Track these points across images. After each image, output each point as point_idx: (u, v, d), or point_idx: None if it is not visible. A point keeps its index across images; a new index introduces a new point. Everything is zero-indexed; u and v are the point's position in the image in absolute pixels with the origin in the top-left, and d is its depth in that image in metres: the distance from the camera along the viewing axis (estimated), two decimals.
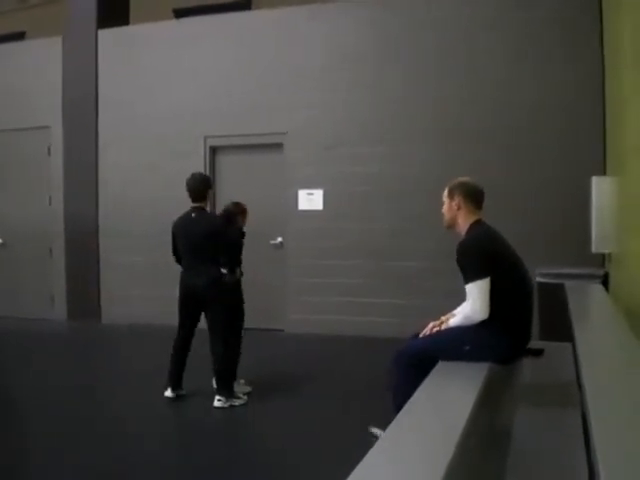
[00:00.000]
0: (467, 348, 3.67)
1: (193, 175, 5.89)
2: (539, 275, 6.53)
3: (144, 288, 9.44)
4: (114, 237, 9.74)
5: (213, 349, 5.65)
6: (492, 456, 3.08)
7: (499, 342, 3.70)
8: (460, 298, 3.80)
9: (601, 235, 6.14)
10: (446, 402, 3.16)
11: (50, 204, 10.16)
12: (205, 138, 9.38)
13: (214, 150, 9.48)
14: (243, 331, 6.10)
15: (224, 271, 5.76)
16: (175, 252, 5.87)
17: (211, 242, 5.62)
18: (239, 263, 6.07)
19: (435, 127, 8.25)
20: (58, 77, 9.99)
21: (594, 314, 4.52)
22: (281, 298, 8.96)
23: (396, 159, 8.42)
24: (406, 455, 2.33)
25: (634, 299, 4.32)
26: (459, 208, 3.94)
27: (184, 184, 5.82)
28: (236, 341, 5.92)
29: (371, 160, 8.51)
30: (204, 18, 9.70)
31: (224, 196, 8.46)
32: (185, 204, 5.84)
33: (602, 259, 6.96)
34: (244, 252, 6.17)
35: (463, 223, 3.94)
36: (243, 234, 6.15)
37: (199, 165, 9.00)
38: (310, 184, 8.83)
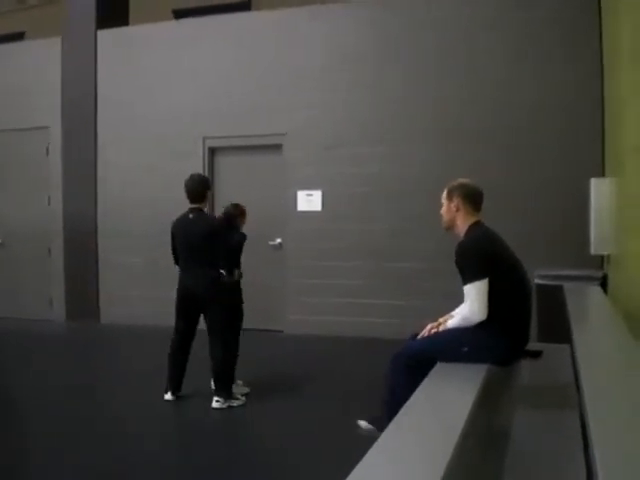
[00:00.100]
0: (465, 349, 3.67)
1: (192, 176, 5.89)
2: (538, 277, 6.53)
3: (143, 288, 9.44)
4: (113, 237, 9.74)
5: (212, 351, 5.64)
6: (490, 457, 3.09)
7: (497, 343, 3.69)
8: (459, 299, 3.80)
9: (600, 237, 6.15)
10: (445, 403, 3.16)
11: (49, 204, 10.16)
12: (204, 139, 9.37)
13: (213, 151, 9.47)
14: (241, 332, 6.10)
15: (222, 272, 5.76)
16: (174, 253, 5.87)
17: (209, 243, 5.61)
18: (238, 265, 6.07)
19: (435, 127, 8.25)
20: (57, 77, 9.99)
21: (592, 316, 4.52)
22: (280, 299, 8.96)
23: (396, 159, 8.42)
24: (405, 456, 2.33)
25: (632, 301, 4.33)
26: (458, 210, 3.94)
27: (183, 185, 5.82)
28: (234, 342, 5.92)
29: (371, 161, 8.52)
30: (204, 19, 9.70)
31: (223, 197, 8.46)
32: (184, 205, 5.84)
33: (601, 261, 6.96)
34: (243, 253, 6.17)
35: (462, 224, 3.94)
36: (244, 237, 6.14)
37: (198, 166, 9.00)
38: (309, 185, 8.83)
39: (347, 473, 2.03)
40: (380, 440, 2.41)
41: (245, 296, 6.17)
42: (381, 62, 8.56)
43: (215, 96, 9.27)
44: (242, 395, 5.75)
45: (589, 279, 6.24)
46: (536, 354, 4.18)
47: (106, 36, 9.87)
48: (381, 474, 2.15)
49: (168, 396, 5.71)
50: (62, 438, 4.87)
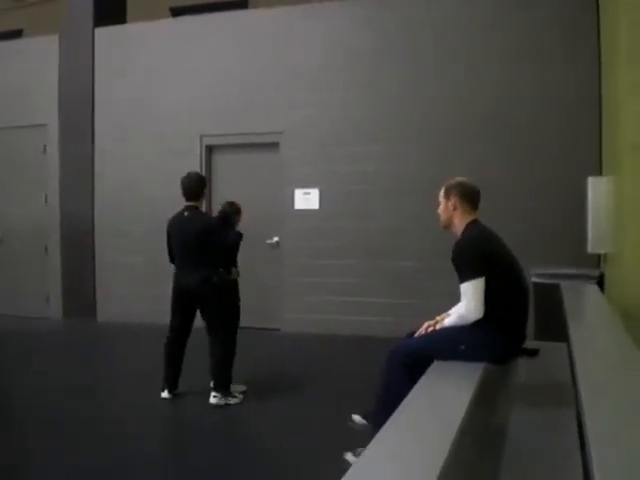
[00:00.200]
0: (462, 348, 3.67)
1: (189, 174, 5.88)
2: (535, 275, 6.54)
3: (140, 286, 9.43)
4: (110, 235, 9.74)
5: (211, 350, 5.65)
6: (487, 455, 3.09)
7: (494, 342, 3.70)
8: (456, 298, 3.80)
9: (597, 235, 6.16)
10: (442, 401, 3.16)
11: (46, 202, 10.15)
12: (201, 137, 9.37)
13: (210, 149, 9.47)
14: (238, 330, 6.10)
15: (221, 270, 5.76)
16: (170, 251, 5.86)
17: (203, 242, 5.60)
18: (235, 263, 6.06)
19: (432, 126, 8.25)
20: (55, 75, 9.97)
21: (589, 314, 4.53)
22: (277, 297, 8.96)
23: (393, 158, 8.42)
24: (402, 453, 2.33)
25: (627, 299, 4.34)
26: (455, 208, 3.94)
27: (179, 183, 5.82)
28: (231, 340, 5.92)
29: (367, 159, 8.52)
30: (201, 17, 9.70)
31: (220, 195, 8.46)
32: (180, 203, 5.83)
33: (598, 259, 6.97)
34: (240, 251, 6.16)
35: (459, 223, 3.95)
36: (240, 235, 6.14)
37: (195, 164, 9.01)
38: (306, 183, 8.83)
39: (344, 471, 2.04)
40: (377, 438, 2.41)
41: (242, 294, 6.17)
42: (378, 61, 8.56)
43: (212, 94, 9.26)
44: (239, 393, 5.75)
45: (586, 277, 6.25)
46: (533, 352, 4.18)
47: (104, 34, 9.85)
48: (379, 472, 2.15)
49: (165, 394, 5.71)
50: (61, 437, 4.86)
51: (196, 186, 5.78)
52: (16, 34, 12.45)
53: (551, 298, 5.43)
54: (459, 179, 4.05)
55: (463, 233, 3.92)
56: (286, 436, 4.91)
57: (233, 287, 6.05)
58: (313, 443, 4.73)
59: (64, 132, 9.99)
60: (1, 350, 7.75)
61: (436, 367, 3.56)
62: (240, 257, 6.16)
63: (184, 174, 5.88)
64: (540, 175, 7.75)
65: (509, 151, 7.93)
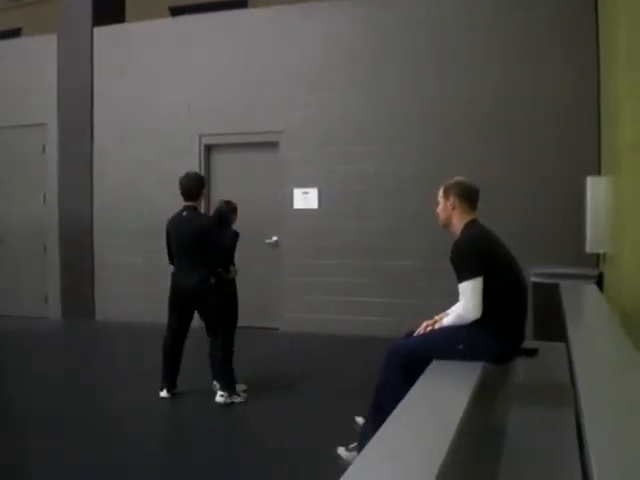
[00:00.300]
0: (461, 347, 3.67)
1: (187, 174, 5.88)
2: (534, 275, 6.54)
3: (138, 286, 9.43)
4: (109, 235, 9.73)
5: (211, 350, 5.66)
6: (486, 455, 3.09)
7: (493, 341, 3.70)
8: (454, 298, 3.80)
9: (596, 235, 6.16)
10: (440, 401, 3.16)
11: (45, 202, 10.14)
12: (200, 136, 9.36)
13: (209, 148, 9.46)
14: (236, 329, 6.10)
15: (220, 270, 5.76)
16: (169, 251, 5.86)
17: (201, 241, 5.60)
18: (232, 262, 6.07)
19: (431, 126, 8.25)
20: (53, 74, 9.96)
21: (588, 314, 4.53)
22: (276, 297, 8.96)
23: (392, 158, 8.42)
24: (401, 453, 2.33)
25: (625, 299, 4.34)
26: (454, 208, 3.94)
27: (178, 182, 5.81)
28: (230, 339, 5.92)
29: (367, 159, 8.52)
30: (200, 16, 9.69)
31: (219, 195, 8.43)
32: (179, 202, 5.83)
33: (597, 259, 6.97)
34: (239, 251, 6.16)
35: (458, 223, 3.95)
36: (237, 235, 6.14)
37: (194, 163, 9.01)
38: (305, 183, 8.83)
39: (344, 470, 2.04)
40: (376, 437, 2.41)
41: (241, 293, 6.16)
42: (378, 61, 8.55)
43: (211, 93, 9.26)
44: (242, 392, 5.76)
45: (585, 277, 6.26)
46: (532, 352, 4.18)
47: (102, 33, 9.85)
48: (377, 471, 2.15)
49: (163, 393, 5.71)
50: (61, 437, 4.85)
51: (194, 186, 5.77)
52: (15, 33, 12.43)
53: (550, 298, 5.43)
54: (458, 179, 4.05)
55: (462, 233, 3.93)
56: (285, 436, 4.91)
57: (231, 286, 6.04)
58: (313, 443, 4.72)
59: (63, 131, 9.98)
60: (0, 350, 7.74)
61: (434, 367, 3.56)
62: (239, 256, 6.16)
63: (183, 173, 5.87)
64: (539, 175, 7.75)
65: (509, 151, 7.92)
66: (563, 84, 7.69)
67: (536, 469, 2.83)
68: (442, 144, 8.15)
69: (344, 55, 8.67)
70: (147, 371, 6.32)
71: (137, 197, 9.55)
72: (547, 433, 3.19)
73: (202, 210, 6.32)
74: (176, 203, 5.92)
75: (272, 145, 9.03)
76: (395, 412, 2.75)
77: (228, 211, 6.12)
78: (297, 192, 8.88)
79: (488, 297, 3.66)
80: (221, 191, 8.77)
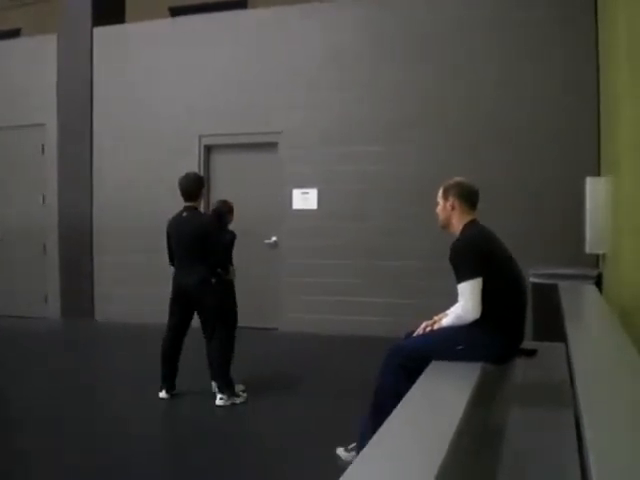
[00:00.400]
0: (460, 348, 3.67)
1: (187, 175, 5.87)
2: (533, 275, 6.55)
3: (138, 286, 9.43)
4: (108, 235, 9.73)
5: (210, 351, 5.65)
6: (485, 455, 3.09)
7: (492, 342, 3.70)
8: (454, 298, 3.80)
9: (595, 236, 6.17)
10: (439, 401, 3.16)
11: (44, 202, 10.14)
12: (200, 137, 9.36)
13: (209, 149, 9.46)
14: (236, 329, 6.11)
15: (219, 271, 5.77)
16: (170, 252, 5.86)
17: (201, 242, 5.60)
18: (231, 263, 6.07)
19: (431, 126, 8.25)
20: (53, 74, 9.96)
21: (587, 314, 4.53)
22: (275, 297, 8.96)
23: (392, 158, 8.42)
24: (400, 454, 2.33)
25: (624, 299, 4.34)
26: (453, 208, 3.94)
27: (177, 183, 5.81)
28: (229, 340, 5.92)
29: (366, 159, 8.52)
30: (200, 16, 9.69)
31: (219, 195, 8.42)
32: (179, 203, 5.83)
33: (596, 260, 6.97)
34: (239, 251, 6.17)
35: (457, 223, 3.95)
36: (235, 235, 6.15)
37: (193, 164, 9.01)
38: (305, 183, 8.83)
39: (343, 470, 2.05)
40: (375, 438, 2.41)
41: (240, 294, 6.17)
42: (377, 61, 8.56)
43: (211, 94, 9.26)
44: (241, 392, 5.76)
45: (584, 278, 6.26)
46: (531, 352, 4.19)
47: (102, 33, 9.85)
48: (377, 471, 2.15)
49: (162, 394, 5.71)
50: (61, 437, 4.85)
51: (194, 186, 5.77)
52: (14, 33, 12.42)
53: (549, 298, 5.43)
54: (457, 179, 4.05)
55: (461, 233, 3.92)
56: (285, 436, 4.91)
57: (229, 287, 6.05)
58: (313, 443, 4.72)
59: (62, 132, 9.98)
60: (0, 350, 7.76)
61: (434, 367, 3.56)
62: (238, 257, 6.16)
63: (182, 174, 5.87)
64: (539, 175, 7.75)
65: (509, 151, 7.93)
66: (563, 84, 7.69)
67: (535, 468, 2.84)
68: (442, 144, 8.16)
69: (344, 55, 8.67)
70: (147, 371, 6.32)
71: (137, 197, 9.55)
72: (546, 433, 3.19)
73: (202, 210, 6.31)
74: (176, 203, 5.92)
75: (272, 145, 9.04)
76: (394, 412, 2.75)
77: (224, 211, 6.13)
78: (296, 192, 8.88)
79: (487, 297, 3.66)
80: (221, 191, 8.77)
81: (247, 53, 9.15)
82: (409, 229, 8.22)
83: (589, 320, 4.27)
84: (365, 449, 2.29)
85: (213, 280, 5.68)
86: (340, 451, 4.05)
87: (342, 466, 2.10)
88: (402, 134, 8.38)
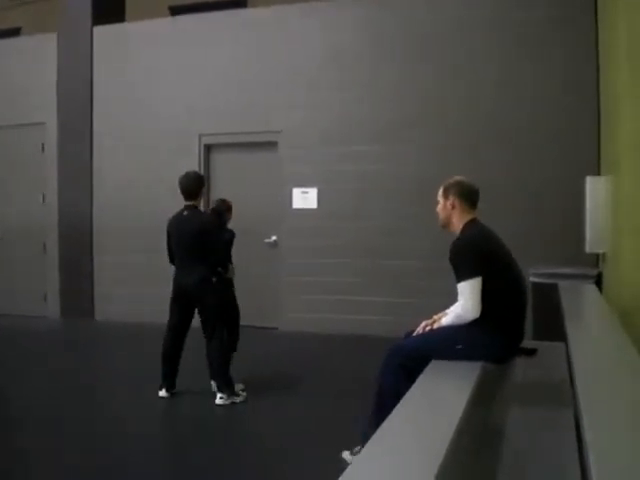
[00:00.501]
0: (460, 347, 3.67)
1: (187, 174, 5.87)
2: (533, 275, 6.55)
3: (137, 286, 9.42)
4: (108, 234, 9.72)
5: (209, 350, 5.65)
6: (485, 455, 3.09)
7: (492, 341, 3.70)
8: (454, 297, 3.80)
9: (595, 235, 6.17)
10: (439, 401, 3.16)
11: (44, 201, 10.14)
12: (200, 136, 9.36)
13: (209, 148, 9.46)
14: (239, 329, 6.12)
15: (220, 270, 5.77)
16: (170, 251, 5.86)
17: (201, 241, 5.60)
18: (230, 262, 6.08)
19: (431, 126, 8.25)
20: (53, 73, 9.96)
21: (587, 314, 4.54)
22: (275, 296, 8.96)
23: (392, 158, 8.42)
24: (399, 453, 2.33)
25: (624, 299, 4.34)
26: (454, 207, 3.94)
27: (177, 182, 5.81)
28: (231, 339, 5.93)
29: (366, 159, 8.51)
30: (200, 15, 9.69)
31: (218, 194, 8.41)
32: (179, 202, 5.83)
33: (596, 259, 6.97)
34: (239, 250, 6.17)
35: (457, 222, 3.95)
36: (234, 234, 6.15)
37: (193, 163, 9.01)
38: (305, 182, 8.83)
39: (342, 470, 2.05)
40: (375, 437, 2.41)
41: (240, 293, 6.18)
42: (377, 60, 8.55)
43: (211, 93, 9.26)
44: (241, 391, 5.77)
45: (584, 277, 6.26)
46: (531, 352, 4.19)
47: (102, 32, 9.85)
48: (376, 471, 2.15)
49: (162, 393, 5.72)
50: (61, 437, 4.85)
51: (194, 185, 5.76)
52: (14, 32, 12.41)
53: (549, 298, 5.43)
54: (458, 178, 4.05)
55: (462, 232, 3.93)
56: (285, 436, 4.91)
57: (229, 286, 6.05)
58: (313, 443, 4.72)
59: (62, 131, 9.97)
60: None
61: (434, 366, 3.56)
62: (238, 256, 6.18)
63: (183, 173, 5.87)
64: (539, 175, 7.75)
65: (509, 151, 7.92)
66: (563, 84, 7.69)
67: (535, 468, 2.84)
68: (442, 144, 8.15)
69: (344, 55, 8.67)
70: (147, 371, 6.32)
71: (137, 197, 9.55)
72: (546, 433, 3.19)
73: (202, 209, 6.31)
74: (176, 203, 5.92)
75: (271, 145, 9.03)
76: (394, 412, 2.75)
77: (223, 210, 6.13)
78: (296, 192, 8.88)
79: (487, 297, 3.66)
80: (221, 191, 8.76)
81: (247, 52, 9.14)
82: (409, 229, 8.22)
83: (589, 320, 4.27)
84: (365, 448, 2.29)
85: (214, 279, 5.68)
86: (346, 455, 4.03)
87: (342, 466, 2.10)
88: (402, 134, 8.38)
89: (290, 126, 8.86)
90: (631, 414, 2.06)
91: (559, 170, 7.63)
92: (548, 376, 4.15)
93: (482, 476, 2.88)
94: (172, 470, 4.34)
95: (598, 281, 6.29)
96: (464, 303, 3.69)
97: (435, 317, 3.97)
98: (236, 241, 6.23)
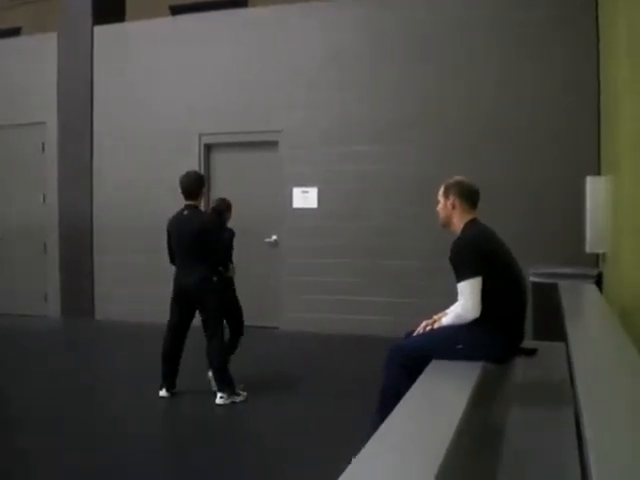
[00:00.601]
0: (460, 347, 3.67)
1: (187, 173, 5.87)
2: (533, 275, 6.54)
3: (138, 285, 9.42)
4: (108, 234, 9.73)
5: (209, 350, 5.65)
6: (485, 455, 3.09)
7: (492, 341, 3.70)
8: (454, 297, 3.80)
9: (595, 235, 6.17)
10: (439, 401, 3.16)
11: (44, 201, 10.14)
12: (200, 135, 9.36)
13: (209, 147, 9.46)
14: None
15: (220, 269, 5.77)
16: (170, 251, 5.85)
17: (201, 241, 5.60)
18: (230, 261, 6.08)
19: (431, 126, 8.25)
20: (53, 73, 9.96)
21: (587, 314, 4.54)
22: (276, 296, 8.96)
23: (392, 158, 8.42)
24: (400, 453, 2.33)
25: (624, 299, 4.34)
26: (454, 207, 3.94)
27: (178, 182, 5.81)
28: (223, 340, 5.93)
29: (366, 159, 8.51)
30: (200, 15, 9.69)
31: (219, 194, 8.41)
32: (179, 201, 5.83)
33: (596, 259, 6.97)
34: (239, 250, 6.18)
35: (458, 222, 3.95)
36: (233, 233, 6.16)
37: (194, 162, 9.01)
38: (305, 182, 8.83)
39: (342, 470, 2.05)
40: (376, 437, 2.41)
41: (240, 293, 6.17)
42: (377, 60, 8.55)
43: (211, 93, 9.26)
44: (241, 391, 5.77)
45: (584, 277, 6.26)
46: (531, 352, 4.19)
47: (102, 32, 9.85)
48: (376, 471, 2.15)
49: (163, 392, 5.72)
50: (61, 437, 4.85)
51: (195, 185, 5.77)
52: (14, 32, 12.41)
53: (549, 297, 5.43)
54: (458, 178, 4.05)
55: (462, 232, 3.93)
56: (285, 436, 4.91)
57: (230, 285, 6.06)
58: (313, 443, 4.72)
59: (63, 130, 9.97)
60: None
61: (434, 366, 3.56)
62: (239, 256, 6.18)
63: (183, 173, 5.87)
64: (539, 175, 7.75)
65: (509, 151, 7.92)
66: (563, 84, 7.69)
67: (535, 468, 2.84)
68: (442, 144, 8.15)
69: (344, 55, 8.67)
70: (147, 370, 6.32)
71: (137, 197, 9.55)
72: (546, 432, 3.19)
73: (203, 209, 6.31)
74: (176, 203, 5.92)
75: (272, 144, 9.03)
76: (394, 412, 2.75)
77: (223, 209, 6.14)
78: (297, 191, 8.88)
79: (487, 297, 3.66)
80: (221, 190, 8.75)
81: (247, 52, 9.14)
82: (409, 229, 8.22)
83: (589, 319, 4.27)
84: (365, 448, 2.29)
85: (214, 278, 5.68)
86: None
87: (342, 466, 2.10)
88: (402, 134, 8.38)
89: (290, 126, 8.86)
90: (631, 414, 2.06)
91: (559, 170, 7.63)
92: (548, 376, 4.15)
93: (482, 476, 2.88)
94: (172, 470, 4.34)
95: (598, 281, 6.28)
96: (464, 303, 3.69)
97: (435, 317, 3.96)
98: (236, 241, 6.23)
